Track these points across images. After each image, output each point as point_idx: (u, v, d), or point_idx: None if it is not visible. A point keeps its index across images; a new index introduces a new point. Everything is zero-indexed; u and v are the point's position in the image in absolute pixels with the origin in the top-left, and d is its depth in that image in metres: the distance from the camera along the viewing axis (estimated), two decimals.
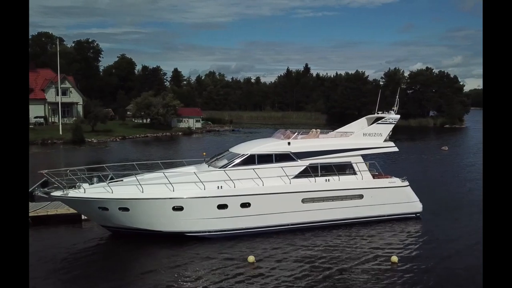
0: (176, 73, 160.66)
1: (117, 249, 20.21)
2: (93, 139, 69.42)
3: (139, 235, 20.85)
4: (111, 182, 21.18)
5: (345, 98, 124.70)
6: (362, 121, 26.42)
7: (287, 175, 22.01)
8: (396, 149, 24.98)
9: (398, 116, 25.67)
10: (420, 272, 16.76)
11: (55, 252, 19.20)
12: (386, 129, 24.70)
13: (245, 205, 21.05)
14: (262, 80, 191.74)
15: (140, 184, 20.30)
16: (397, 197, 23.68)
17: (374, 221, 23.09)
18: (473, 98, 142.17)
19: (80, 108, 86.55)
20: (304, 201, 21.96)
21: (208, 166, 22.56)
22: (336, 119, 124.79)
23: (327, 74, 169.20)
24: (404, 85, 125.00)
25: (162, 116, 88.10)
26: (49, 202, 23.32)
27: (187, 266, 17.79)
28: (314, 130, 24.99)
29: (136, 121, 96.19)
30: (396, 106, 26.12)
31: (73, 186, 20.89)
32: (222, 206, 20.74)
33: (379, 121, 24.98)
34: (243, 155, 22.10)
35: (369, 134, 24.44)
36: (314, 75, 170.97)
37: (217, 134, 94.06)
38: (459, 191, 32.42)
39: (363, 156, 23.99)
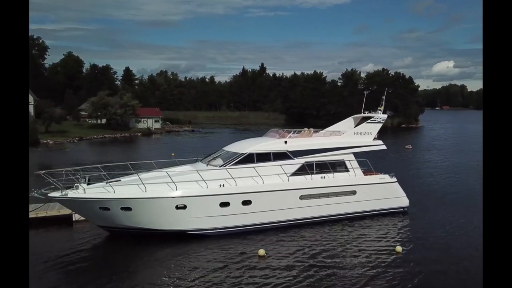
0: (128, 72, 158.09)
1: (115, 249, 20.56)
2: (48, 141, 67.60)
3: (137, 235, 21.33)
4: (110, 182, 21.51)
5: (304, 98, 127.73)
6: (349, 120, 28.14)
7: (285, 173, 23.29)
8: (384, 147, 26.99)
9: (386, 115, 27.68)
10: (424, 259, 18.65)
11: (49, 255, 19.28)
12: (375, 128, 26.67)
13: (246, 202, 22.09)
14: (215, 79, 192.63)
15: (143, 184, 20.83)
16: (387, 192, 25.61)
17: (365, 216, 24.85)
18: (423, 99, 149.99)
19: (31, 108, 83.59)
20: (301, 197, 23.31)
21: (207, 165, 23.36)
22: (295, 119, 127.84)
23: (283, 74, 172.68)
24: (361, 85, 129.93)
25: (119, 116, 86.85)
26: (42, 204, 23.27)
27: (192, 264, 18.47)
28: (306, 129, 26.43)
29: (90, 121, 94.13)
30: (382, 106, 27.99)
31: (70, 187, 21.10)
32: (224, 204, 21.66)
33: (369, 121, 26.83)
34: (242, 153, 23.12)
35: (360, 133, 26.29)
36: (271, 75, 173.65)
37: (177, 134, 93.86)
38: (433, 186, 34.99)
39: (354, 154, 25.69)
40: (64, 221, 24.20)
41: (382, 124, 27.05)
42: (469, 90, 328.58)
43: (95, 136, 78.60)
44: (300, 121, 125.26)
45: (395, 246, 19.98)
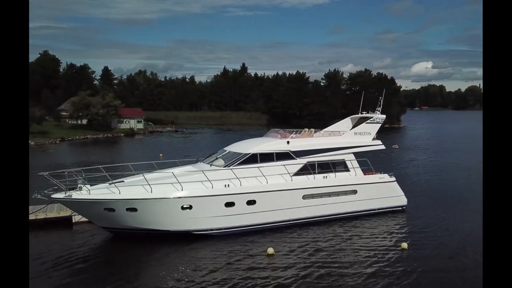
0: (107, 71, 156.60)
1: (117, 251, 20.69)
2: (30, 142, 66.57)
3: (140, 236, 21.51)
4: (113, 182, 21.61)
5: (287, 99, 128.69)
6: (347, 120, 28.84)
7: (288, 173, 23.80)
8: (383, 146, 27.81)
9: (384, 116, 28.47)
10: (429, 255, 19.46)
11: (50, 257, 19.30)
12: (374, 128, 27.48)
13: (250, 202, 22.50)
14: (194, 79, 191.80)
15: (148, 184, 21.04)
16: (386, 191, 26.39)
17: (366, 215, 25.56)
18: (404, 99, 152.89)
19: None
20: (304, 197, 23.85)
21: (210, 166, 23.68)
22: (278, 119, 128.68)
23: (264, 74, 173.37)
24: (344, 86, 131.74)
25: (102, 116, 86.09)
26: (43, 206, 23.20)
27: (200, 264, 18.76)
28: (307, 129, 27.00)
29: (71, 122, 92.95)
30: (380, 106, 28.77)
31: (73, 188, 21.16)
32: (229, 204, 22.03)
33: (368, 121, 27.57)
34: (246, 154, 23.53)
35: (359, 133, 27.01)
36: (252, 74, 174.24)
37: (160, 135, 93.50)
38: (424, 184, 36.02)
39: (354, 153, 26.39)
40: (64, 223, 24.18)
41: (381, 124, 27.85)
42: (447, 90, 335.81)
43: (77, 137, 77.83)
44: (283, 121, 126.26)
45: (400, 243, 20.70)
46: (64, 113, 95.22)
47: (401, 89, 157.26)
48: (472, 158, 52.53)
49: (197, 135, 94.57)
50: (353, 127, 28.25)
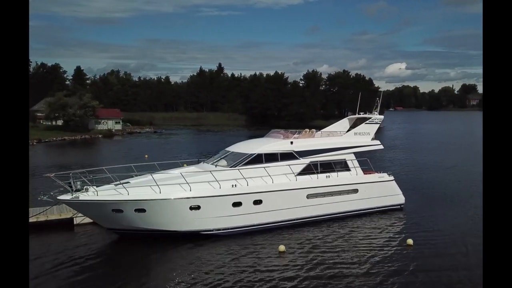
0: (79, 71, 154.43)
1: (121, 252, 20.82)
2: None
3: (147, 236, 21.72)
4: (121, 183, 21.80)
5: (266, 99, 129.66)
6: (344, 121, 29.78)
7: (292, 173, 24.47)
8: (381, 146, 28.85)
9: (382, 116, 29.51)
10: (433, 251, 20.43)
11: (52, 259, 19.32)
12: (373, 129, 28.51)
13: (257, 202, 23.05)
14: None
15: (157, 185, 21.33)
16: (385, 190, 27.35)
17: (366, 213, 26.45)
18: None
19: None
20: (308, 196, 24.55)
21: (216, 166, 24.12)
22: (256, 120, 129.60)
23: (241, 74, 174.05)
24: (323, 86, 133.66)
25: (79, 117, 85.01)
26: (48, 207, 23.18)
27: (211, 263, 19.14)
28: (307, 130, 27.73)
29: (45, 123, 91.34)
30: (378, 107, 29.79)
31: (78, 189, 21.25)
32: (236, 204, 22.52)
33: (367, 121, 28.55)
34: (251, 154, 24.06)
35: (359, 133, 27.95)
36: (229, 75, 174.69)
37: (140, 136, 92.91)
38: (414, 182, 37.27)
39: (354, 153, 27.30)
40: (66, 225, 24.14)
41: (379, 124, 28.88)
42: (421, 91, 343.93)
43: (54, 138, 76.70)
44: (261, 121, 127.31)
45: (406, 240, 21.62)
46: (39, 114, 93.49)
47: (378, 90, 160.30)
48: (452, 157, 55.01)
49: (177, 136, 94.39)
50: (350, 127, 29.18)
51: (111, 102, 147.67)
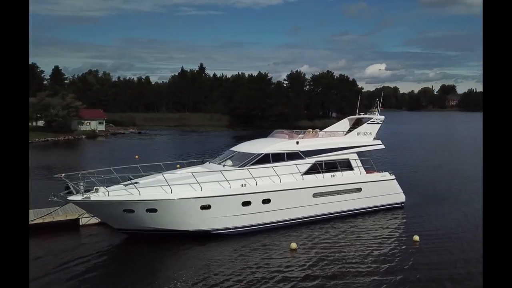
0: (57, 71, 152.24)
1: (127, 253, 21.18)
2: None
3: (156, 236, 22.04)
4: (132, 183, 22.05)
5: (249, 99, 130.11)
6: (345, 121, 30.64)
7: (299, 172, 25.14)
8: (383, 146, 29.77)
9: (383, 117, 30.45)
10: (439, 246, 21.33)
11: (58, 260, 19.43)
12: (374, 129, 29.45)
13: (266, 201, 23.62)
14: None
15: (168, 185, 21.69)
16: (387, 189, 28.28)
17: (369, 212, 27.30)
18: (362, 100, 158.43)
19: None
20: (314, 195, 25.26)
21: (224, 166, 24.59)
22: (240, 120, 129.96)
23: (222, 74, 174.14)
24: (307, 87, 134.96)
25: (62, 118, 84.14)
26: (56, 208, 23.28)
27: (220, 263, 19.54)
28: (311, 130, 28.46)
29: None
30: (378, 107, 30.70)
31: (88, 190, 21.47)
32: (246, 203, 23.05)
33: (369, 121, 29.48)
34: (259, 154, 24.63)
35: (362, 133, 28.83)
36: (211, 75, 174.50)
37: (124, 137, 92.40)
38: (411, 181, 38.31)
39: (357, 153, 28.15)
40: (72, 226, 24.28)
41: (380, 124, 29.80)
42: (401, 92, 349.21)
43: (37, 139, 75.76)
44: (245, 122, 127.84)
45: (411, 236, 22.50)
46: None
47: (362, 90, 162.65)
48: (439, 156, 56.78)
49: (162, 136, 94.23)
50: (350, 127, 30.04)
51: (90, 103, 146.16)
